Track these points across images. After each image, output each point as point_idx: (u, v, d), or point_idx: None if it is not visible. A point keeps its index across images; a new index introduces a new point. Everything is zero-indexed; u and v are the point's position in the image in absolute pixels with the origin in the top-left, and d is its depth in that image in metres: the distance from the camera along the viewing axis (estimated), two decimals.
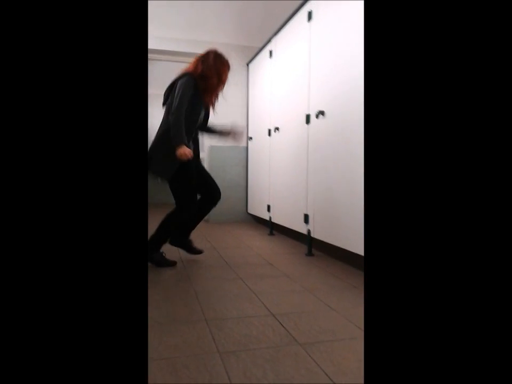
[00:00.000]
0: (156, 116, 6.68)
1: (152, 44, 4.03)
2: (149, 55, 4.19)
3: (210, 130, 2.46)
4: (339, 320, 1.40)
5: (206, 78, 2.19)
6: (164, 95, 2.27)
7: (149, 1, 3.93)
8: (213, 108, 2.37)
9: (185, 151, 2.04)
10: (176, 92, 2.11)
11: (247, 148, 4.30)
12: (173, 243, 2.39)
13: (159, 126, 2.23)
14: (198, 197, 2.32)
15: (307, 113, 2.59)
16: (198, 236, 3.31)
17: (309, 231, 2.54)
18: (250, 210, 4.14)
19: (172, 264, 2.25)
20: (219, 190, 2.40)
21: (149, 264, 2.24)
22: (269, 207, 3.45)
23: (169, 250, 2.60)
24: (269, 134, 3.44)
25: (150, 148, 2.17)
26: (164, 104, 2.28)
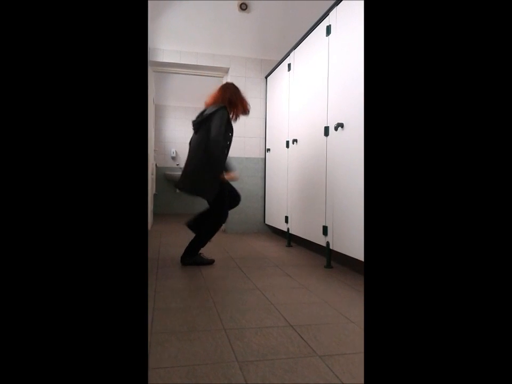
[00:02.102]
0: (174, 128, 6.80)
1: (172, 58, 4.14)
2: (169, 69, 4.30)
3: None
4: (359, 333, 1.39)
5: (234, 105, 2.54)
6: (196, 123, 2.49)
7: (168, 18, 4.05)
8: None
9: (235, 175, 2.55)
10: (215, 120, 2.37)
11: (264, 159, 4.32)
12: (185, 263, 2.56)
13: (192, 149, 2.47)
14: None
15: (325, 125, 2.60)
16: (216, 246, 3.33)
17: (328, 243, 2.53)
18: (268, 221, 4.14)
19: (211, 262, 2.58)
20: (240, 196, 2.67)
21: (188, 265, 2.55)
22: (286, 218, 3.45)
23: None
24: (287, 146, 3.46)
25: (189, 169, 2.43)
26: (195, 132, 2.51)
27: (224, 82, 2.79)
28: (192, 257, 2.54)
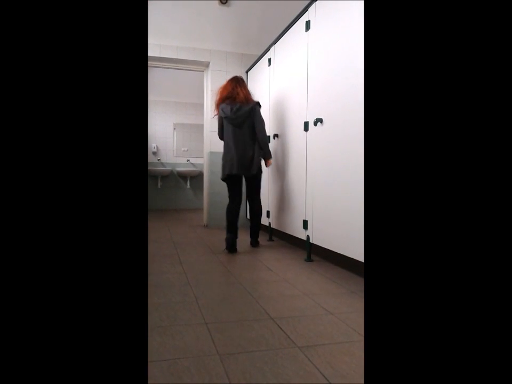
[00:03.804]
0: (155, 122, 6.72)
1: (152, 52, 4.08)
2: (149, 63, 4.24)
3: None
4: (337, 324, 1.42)
5: None
6: (239, 119, 2.89)
7: (149, 11, 3.99)
8: None
9: (271, 162, 3.12)
10: (258, 117, 2.91)
11: None
12: (257, 245, 3.12)
13: (242, 140, 2.90)
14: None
15: (305, 120, 2.63)
16: (196, 240, 3.33)
17: (308, 237, 2.56)
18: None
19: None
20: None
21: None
22: (268, 213, 3.47)
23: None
24: (268, 141, 3.48)
25: (245, 157, 2.89)
26: (239, 127, 2.91)
27: (234, 76, 3.11)
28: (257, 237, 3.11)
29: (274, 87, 3.35)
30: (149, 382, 0.99)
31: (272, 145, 3.39)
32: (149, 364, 1.09)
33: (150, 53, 4.08)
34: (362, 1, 1.90)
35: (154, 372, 1.04)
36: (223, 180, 3.02)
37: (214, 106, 3.17)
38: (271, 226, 3.39)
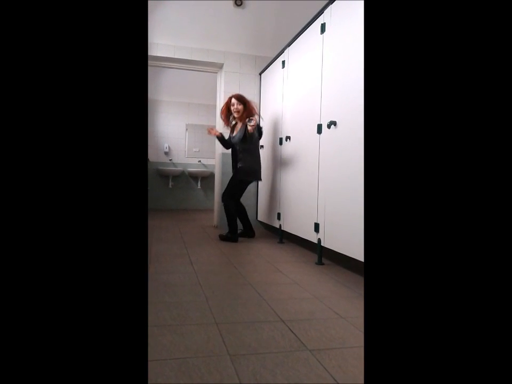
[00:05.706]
0: (167, 123, 6.77)
1: (166, 53, 4.12)
2: (163, 63, 4.28)
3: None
4: (349, 328, 1.41)
5: None
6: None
7: (163, 13, 4.03)
8: None
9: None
10: None
11: None
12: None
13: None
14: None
15: (318, 123, 2.62)
16: (207, 241, 3.34)
17: (319, 240, 2.55)
18: (260, 218, 4.15)
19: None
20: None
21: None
22: (279, 215, 3.47)
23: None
24: (280, 143, 3.47)
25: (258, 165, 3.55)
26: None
27: (240, 94, 3.63)
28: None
29: (287, 90, 3.35)
30: (160, 380, 0.99)
31: (283, 147, 3.38)
32: (159, 361, 1.09)
33: (164, 54, 4.11)
34: None
35: (164, 370, 1.04)
36: (249, 182, 3.49)
37: (251, 117, 3.37)
38: (282, 228, 3.38)
